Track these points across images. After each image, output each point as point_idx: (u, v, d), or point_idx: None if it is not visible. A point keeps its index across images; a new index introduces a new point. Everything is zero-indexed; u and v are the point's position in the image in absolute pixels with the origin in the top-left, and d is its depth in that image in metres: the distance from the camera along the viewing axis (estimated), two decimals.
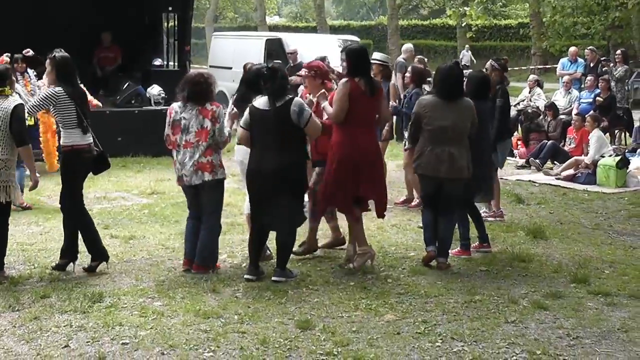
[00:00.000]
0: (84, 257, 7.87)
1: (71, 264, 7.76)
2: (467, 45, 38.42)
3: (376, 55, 11.55)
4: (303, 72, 8.31)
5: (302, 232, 8.20)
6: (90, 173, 7.91)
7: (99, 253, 7.78)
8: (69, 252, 7.75)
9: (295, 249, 8.06)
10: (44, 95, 7.64)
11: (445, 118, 7.88)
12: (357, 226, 7.99)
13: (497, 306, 6.92)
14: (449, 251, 8.24)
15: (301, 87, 9.65)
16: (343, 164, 7.68)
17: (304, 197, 7.67)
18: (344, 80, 7.80)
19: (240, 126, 7.56)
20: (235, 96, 8.30)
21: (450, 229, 8.23)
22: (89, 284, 7.31)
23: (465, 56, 36.92)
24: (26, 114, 7.57)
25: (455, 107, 7.94)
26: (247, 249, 8.25)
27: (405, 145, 10.99)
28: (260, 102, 7.45)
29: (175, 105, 7.76)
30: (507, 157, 15.17)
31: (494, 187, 9.91)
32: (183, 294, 7.09)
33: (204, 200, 7.73)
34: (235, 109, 8.11)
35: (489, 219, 9.98)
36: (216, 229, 7.79)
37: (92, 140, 7.73)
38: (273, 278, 7.44)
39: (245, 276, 7.46)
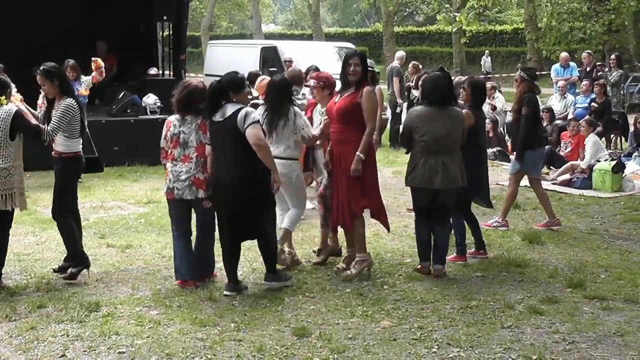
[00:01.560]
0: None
1: (85, 270, 7.84)
2: (487, 52, 38.39)
3: None
4: (312, 82, 8.35)
5: (302, 237, 8.19)
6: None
7: (80, 259, 7.84)
8: (75, 258, 7.86)
9: (314, 260, 8.38)
10: (64, 111, 7.54)
11: (437, 128, 7.81)
12: (362, 232, 8.05)
13: (493, 311, 6.93)
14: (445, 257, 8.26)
15: (306, 96, 9.70)
16: (376, 172, 8.00)
17: (271, 207, 7.41)
18: (370, 88, 7.91)
19: (206, 142, 7.42)
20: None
21: (446, 237, 8.23)
22: (85, 294, 7.33)
23: (487, 62, 36.96)
24: (45, 137, 7.52)
25: (446, 115, 7.87)
26: (244, 257, 8.30)
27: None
28: (218, 114, 7.25)
29: (174, 119, 7.61)
30: (502, 163, 15.28)
31: (543, 196, 10.26)
32: (179, 302, 7.10)
33: (198, 216, 7.64)
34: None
35: (553, 227, 10.19)
36: (212, 238, 7.77)
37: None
38: (263, 282, 7.42)
39: (225, 293, 7.32)
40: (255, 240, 7.54)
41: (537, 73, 11.00)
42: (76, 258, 7.80)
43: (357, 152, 7.69)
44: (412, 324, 6.62)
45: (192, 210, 7.64)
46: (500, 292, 7.54)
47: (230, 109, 7.19)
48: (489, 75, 36.90)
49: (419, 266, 8.09)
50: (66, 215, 7.82)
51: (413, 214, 10.88)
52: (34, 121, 7.64)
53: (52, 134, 7.53)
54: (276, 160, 7.58)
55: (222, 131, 7.16)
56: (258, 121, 7.17)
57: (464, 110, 8.48)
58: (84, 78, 12.97)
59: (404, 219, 10.75)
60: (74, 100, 7.69)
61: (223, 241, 7.42)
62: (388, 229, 8.30)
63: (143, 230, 9.97)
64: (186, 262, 7.58)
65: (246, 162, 7.11)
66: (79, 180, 8.10)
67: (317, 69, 10.57)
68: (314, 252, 8.63)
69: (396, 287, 7.65)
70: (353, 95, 7.85)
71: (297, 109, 8.00)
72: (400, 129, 11.18)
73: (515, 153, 10.34)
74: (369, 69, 11.15)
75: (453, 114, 7.98)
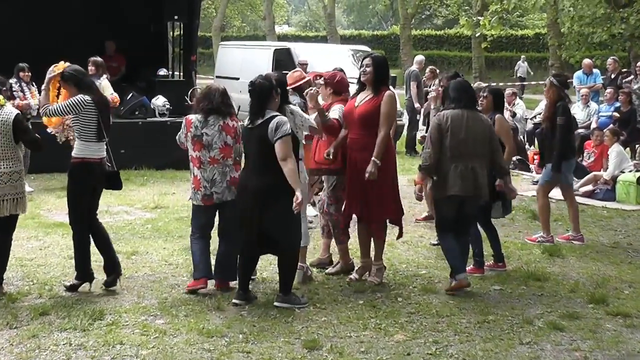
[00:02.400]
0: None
1: (117, 279, 7.79)
2: (522, 56, 38.19)
3: None
4: (319, 81, 8.46)
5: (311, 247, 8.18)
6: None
7: (83, 272, 7.71)
8: (110, 267, 7.76)
9: (329, 269, 8.43)
10: (71, 102, 7.53)
11: (467, 131, 7.75)
12: (384, 240, 8.22)
13: (511, 327, 6.90)
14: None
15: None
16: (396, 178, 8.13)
17: (297, 222, 7.32)
18: (392, 92, 7.98)
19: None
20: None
21: (467, 245, 8.17)
22: (89, 301, 7.33)
23: (522, 67, 36.78)
24: (41, 114, 7.77)
25: (473, 119, 7.84)
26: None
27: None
28: (248, 119, 7.32)
29: (194, 119, 7.60)
30: (522, 172, 15.21)
31: (574, 207, 10.24)
32: (186, 312, 7.10)
33: (226, 218, 7.65)
34: None
35: (575, 242, 10.15)
36: (234, 244, 7.74)
37: (105, 155, 7.71)
38: (275, 303, 7.28)
39: (233, 300, 7.32)
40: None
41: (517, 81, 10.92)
42: (78, 270, 7.71)
43: (373, 158, 7.72)
44: (426, 338, 6.59)
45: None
46: (519, 306, 7.50)
47: (254, 116, 7.22)
48: (524, 82, 36.78)
49: (454, 283, 7.85)
50: (77, 226, 7.72)
51: (424, 223, 10.96)
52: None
53: (45, 111, 7.68)
54: None
55: (253, 137, 7.20)
56: (289, 134, 7.12)
57: (496, 116, 8.57)
58: (103, 80, 12.94)
59: (419, 228, 10.73)
60: (88, 97, 7.56)
61: (242, 249, 7.40)
62: (399, 236, 8.41)
63: (150, 237, 9.98)
64: (205, 259, 7.71)
65: (273, 172, 7.05)
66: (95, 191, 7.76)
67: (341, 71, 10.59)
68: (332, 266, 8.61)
69: (411, 300, 7.62)
70: (375, 100, 7.91)
71: (293, 107, 7.82)
72: (420, 133, 11.15)
73: (547, 164, 10.15)
74: None
75: (480, 117, 7.99)
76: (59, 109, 7.65)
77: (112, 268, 7.76)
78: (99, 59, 13.22)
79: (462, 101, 7.87)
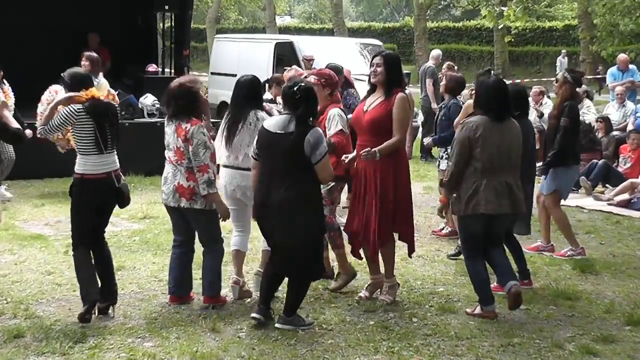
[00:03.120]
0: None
1: (111, 307, 7.62)
2: (563, 51, 38.24)
3: None
4: (312, 78, 8.34)
5: None
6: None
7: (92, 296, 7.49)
8: (107, 294, 7.57)
9: (332, 285, 8.45)
10: (62, 114, 7.40)
11: (499, 141, 7.61)
12: (393, 256, 8.23)
13: (539, 351, 6.89)
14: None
15: None
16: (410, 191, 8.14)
17: (320, 242, 7.48)
18: (404, 95, 7.95)
19: (252, 155, 7.47)
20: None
21: (504, 255, 8.04)
22: (69, 322, 7.31)
23: (562, 63, 36.82)
24: (38, 135, 7.62)
25: (506, 128, 7.70)
26: (251, 281, 8.39)
27: (440, 164, 11.01)
28: (272, 122, 7.30)
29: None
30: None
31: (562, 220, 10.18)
32: (178, 333, 7.09)
33: (196, 228, 7.84)
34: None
35: (545, 253, 10.16)
36: (220, 256, 7.87)
37: (114, 168, 7.57)
38: (276, 325, 7.28)
39: (253, 315, 7.34)
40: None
41: (592, 77, 10.90)
42: (85, 294, 7.46)
43: (375, 149, 7.74)
44: None
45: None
46: (548, 328, 7.49)
47: (291, 122, 7.15)
48: None
49: (478, 311, 7.80)
50: (78, 247, 7.52)
51: (438, 236, 10.95)
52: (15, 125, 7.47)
53: (41, 131, 7.55)
54: (233, 171, 7.91)
55: (280, 145, 7.13)
56: (328, 151, 7.31)
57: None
58: (101, 78, 13.09)
59: (435, 241, 10.73)
60: (79, 106, 7.39)
61: (267, 266, 7.57)
62: (411, 253, 8.43)
63: (137, 250, 9.98)
64: (172, 277, 7.91)
65: (300, 185, 7.11)
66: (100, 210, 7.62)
67: (337, 69, 10.58)
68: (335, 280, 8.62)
69: (427, 320, 7.62)
70: (386, 103, 7.90)
71: (262, 114, 7.92)
72: (427, 139, 11.16)
73: (543, 167, 10.15)
74: None
75: (512, 126, 7.78)
76: (52, 125, 7.45)
77: (108, 296, 7.59)
78: (94, 54, 13.27)
79: (493, 108, 7.68)
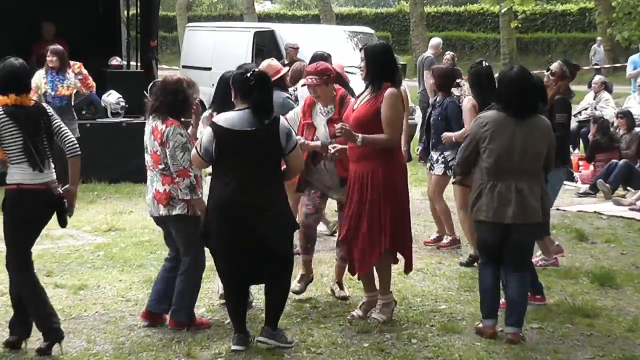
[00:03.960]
0: None
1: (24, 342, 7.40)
2: (598, 39, 38.15)
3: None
4: (310, 79, 8.39)
5: None
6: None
7: (49, 331, 7.28)
8: (19, 326, 7.36)
9: (293, 286, 8.40)
10: None
11: (510, 141, 7.58)
12: (388, 271, 8.28)
13: None
14: None
15: (301, 94, 9.72)
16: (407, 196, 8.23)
17: (292, 245, 7.71)
18: (394, 90, 7.96)
19: (197, 152, 7.35)
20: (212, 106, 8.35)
21: (525, 290, 7.95)
22: (27, 349, 7.30)
23: (598, 52, 36.76)
24: None
25: (527, 126, 7.64)
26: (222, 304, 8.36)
27: (430, 169, 11.04)
28: (231, 119, 7.28)
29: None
30: (566, 182, 15.22)
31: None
32: (148, 359, 7.10)
33: (176, 238, 7.89)
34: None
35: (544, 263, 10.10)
36: (192, 275, 7.82)
37: (50, 179, 7.26)
38: (259, 338, 7.36)
39: (233, 347, 7.32)
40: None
41: (612, 66, 10.94)
42: (41, 328, 7.27)
43: (360, 135, 7.79)
44: None
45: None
46: (563, 349, 7.52)
47: (255, 116, 7.22)
48: (600, 72, 36.68)
49: (480, 325, 7.90)
50: (21, 273, 7.27)
51: (430, 247, 11.01)
52: None
53: None
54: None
55: (252, 143, 7.20)
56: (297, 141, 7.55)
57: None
58: (70, 74, 13.33)
59: (436, 253, 10.76)
60: (2, 111, 7.10)
61: (228, 281, 7.48)
62: (408, 270, 8.43)
63: (102, 266, 9.98)
64: (154, 290, 7.99)
65: (275, 184, 7.36)
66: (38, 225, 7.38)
67: (323, 57, 10.59)
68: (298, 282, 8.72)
69: (428, 341, 7.64)
70: (373, 101, 7.93)
71: None
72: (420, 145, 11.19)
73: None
74: None
75: (537, 124, 7.74)
76: None
77: (20, 327, 7.33)
78: (59, 47, 13.33)
79: (512, 103, 7.64)
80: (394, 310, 8.25)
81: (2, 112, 7.09)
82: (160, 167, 7.65)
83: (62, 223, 7.40)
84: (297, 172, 7.64)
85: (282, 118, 7.45)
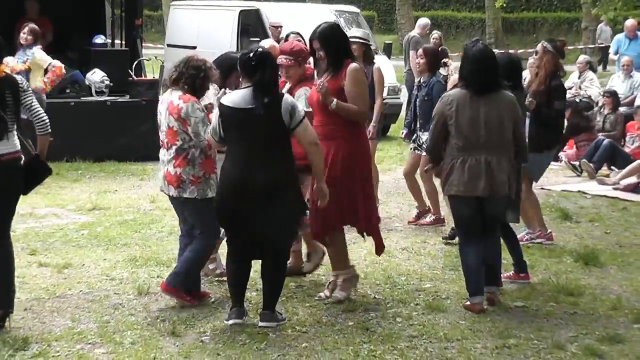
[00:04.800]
0: None
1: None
2: (603, 18, 37.90)
3: (355, 32, 11.63)
4: (284, 59, 8.36)
5: None
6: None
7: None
8: (1, 300, 7.32)
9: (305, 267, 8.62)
10: None
11: (477, 116, 7.77)
12: (341, 248, 8.23)
13: (538, 352, 6.94)
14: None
15: None
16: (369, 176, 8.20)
17: (297, 223, 7.63)
18: (355, 65, 7.95)
19: (211, 134, 7.50)
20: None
21: (498, 250, 8.23)
22: (10, 327, 7.28)
23: (604, 32, 36.57)
24: None
25: (490, 101, 7.83)
26: (217, 280, 8.43)
27: (416, 149, 11.05)
28: (234, 98, 7.34)
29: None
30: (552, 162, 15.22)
31: (533, 205, 10.14)
32: (133, 337, 7.09)
33: (188, 218, 7.94)
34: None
35: (537, 240, 10.13)
36: (201, 252, 7.88)
37: (14, 149, 7.33)
38: (261, 324, 7.36)
39: (230, 322, 7.35)
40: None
41: (596, 45, 10.94)
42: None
43: (335, 99, 7.79)
44: None
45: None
46: (547, 327, 7.54)
47: (257, 94, 7.22)
48: (607, 51, 36.46)
49: (468, 303, 7.98)
50: None
51: (421, 225, 11.03)
52: None
53: None
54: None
55: (253, 122, 7.21)
56: (305, 115, 7.42)
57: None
58: (36, 52, 13.28)
59: (420, 232, 10.77)
60: None
61: (234, 257, 7.55)
62: (379, 250, 8.39)
63: (86, 245, 9.97)
64: (180, 262, 7.94)
65: (281, 163, 7.31)
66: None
67: (298, 35, 10.55)
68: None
69: (412, 320, 7.66)
70: (334, 80, 7.88)
71: None
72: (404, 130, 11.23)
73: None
74: (361, 41, 11.24)
75: (502, 99, 7.93)
76: None
77: (2, 303, 7.29)
78: (35, 26, 13.30)
79: (474, 80, 7.85)
80: (382, 290, 8.23)
81: None
82: (178, 143, 7.64)
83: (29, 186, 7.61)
84: (310, 146, 7.38)
85: (286, 95, 7.47)
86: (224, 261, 8.18)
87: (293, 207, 7.40)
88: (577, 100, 16.84)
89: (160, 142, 7.86)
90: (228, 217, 7.44)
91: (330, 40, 7.99)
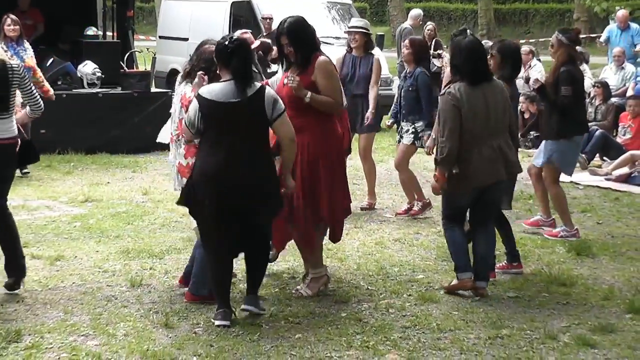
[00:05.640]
0: None
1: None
2: (619, 8, 37.72)
3: (357, 22, 11.63)
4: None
5: None
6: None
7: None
8: (14, 268, 7.93)
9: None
10: None
11: (484, 105, 7.88)
12: (319, 244, 8.19)
13: (530, 343, 6.96)
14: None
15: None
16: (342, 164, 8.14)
17: (276, 214, 7.57)
18: (324, 58, 7.90)
19: (185, 123, 7.31)
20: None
21: (493, 243, 8.29)
22: (2, 319, 7.29)
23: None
24: None
25: (489, 91, 7.95)
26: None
27: (400, 139, 11.04)
28: (216, 91, 7.16)
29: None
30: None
31: (560, 197, 10.17)
32: (126, 330, 7.09)
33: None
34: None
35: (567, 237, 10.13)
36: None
37: (11, 134, 7.78)
38: (243, 307, 7.38)
39: (217, 323, 7.21)
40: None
41: (588, 36, 10.91)
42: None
43: (308, 92, 7.74)
44: (426, 357, 6.63)
45: None
46: (540, 318, 7.56)
47: (238, 87, 7.11)
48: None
49: (455, 282, 8.09)
50: None
51: (406, 217, 11.03)
52: None
53: None
54: None
55: (236, 115, 7.10)
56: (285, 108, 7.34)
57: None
58: (27, 45, 13.44)
59: (413, 224, 10.77)
60: None
61: (218, 256, 7.33)
62: (335, 239, 8.33)
63: (78, 237, 9.95)
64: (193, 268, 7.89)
65: (264, 158, 7.27)
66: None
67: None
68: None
69: (405, 311, 7.67)
70: (306, 74, 7.77)
71: None
72: (389, 120, 11.22)
73: (545, 140, 10.22)
74: (362, 31, 11.24)
75: (496, 86, 8.08)
76: None
77: (15, 270, 7.90)
78: (16, 18, 13.38)
79: (472, 72, 7.91)
80: (375, 282, 8.21)
81: None
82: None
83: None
84: (286, 138, 7.29)
85: (267, 87, 7.37)
86: None
87: (272, 205, 7.35)
88: (597, 86, 16.78)
89: (170, 138, 7.83)
90: (209, 214, 7.20)
91: (300, 36, 7.87)
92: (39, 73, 13.39)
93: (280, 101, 7.28)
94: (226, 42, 7.25)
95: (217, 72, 7.40)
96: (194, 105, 7.15)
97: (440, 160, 7.90)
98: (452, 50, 8.21)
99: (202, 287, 7.68)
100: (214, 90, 7.16)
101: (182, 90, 7.72)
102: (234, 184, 7.11)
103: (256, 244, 7.42)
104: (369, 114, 11.09)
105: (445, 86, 8.34)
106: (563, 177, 13.50)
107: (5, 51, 13.05)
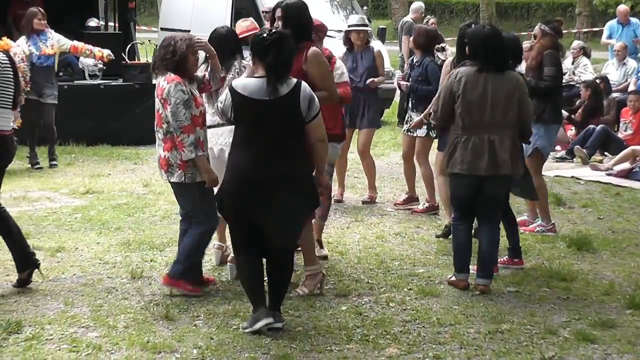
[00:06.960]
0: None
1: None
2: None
3: (356, 21, 11.59)
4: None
5: None
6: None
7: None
8: (25, 260, 7.90)
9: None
10: None
11: (484, 95, 7.85)
12: (310, 239, 8.09)
13: (531, 337, 6.96)
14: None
15: None
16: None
17: (307, 217, 7.42)
18: (315, 49, 7.86)
19: (217, 108, 7.12)
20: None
21: (495, 242, 8.22)
22: (3, 310, 7.30)
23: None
24: None
25: (498, 81, 7.90)
26: (211, 261, 8.44)
27: (406, 130, 11.00)
28: (250, 86, 6.92)
29: None
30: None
31: (542, 189, 10.01)
32: (127, 321, 7.10)
33: (183, 202, 7.89)
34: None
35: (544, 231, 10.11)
36: (199, 238, 7.74)
37: (7, 127, 7.82)
38: (269, 324, 6.92)
39: (262, 323, 6.86)
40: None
41: (590, 30, 10.89)
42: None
43: None
44: (426, 352, 6.64)
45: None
46: (540, 312, 7.56)
47: (272, 85, 6.84)
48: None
49: (453, 278, 8.13)
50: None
51: (403, 209, 11.02)
52: None
53: None
54: (218, 129, 7.98)
55: (268, 113, 6.85)
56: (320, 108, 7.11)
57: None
58: (53, 34, 13.46)
59: (414, 218, 10.77)
60: (4, 56, 7.69)
61: (240, 251, 7.17)
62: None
63: (79, 229, 9.96)
64: (179, 249, 7.89)
65: (300, 150, 6.97)
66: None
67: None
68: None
69: (405, 305, 7.67)
70: (297, 62, 7.47)
71: (245, 61, 7.97)
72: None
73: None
74: (363, 29, 11.23)
75: (509, 79, 8.00)
76: None
77: (26, 261, 7.88)
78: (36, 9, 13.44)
79: (484, 58, 7.91)
80: (376, 275, 8.20)
81: (5, 57, 7.70)
82: (164, 127, 7.50)
83: None
84: (320, 140, 7.02)
85: (303, 84, 7.00)
86: None
87: (304, 205, 7.05)
88: (597, 80, 16.72)
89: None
90: (237, 211, 7.04)
91: (294, 15, 7.78)
92: (80, 46, 13.72)
93: (316, 99, 7.01)
94: (264, 35, 7.00)
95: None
96: (227, 96, 6.94)
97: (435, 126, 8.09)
98: (470, 36, 8.16)
99: (177, 270, 7.67)
100: (249, 85, 6.92)
101: (159, 82, 7.62)
102: (266, 182, 6.87)
103: (279, 252, 7.07)
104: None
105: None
106: (564, 172, 13.58)
107: (29, 46, 13.11)
